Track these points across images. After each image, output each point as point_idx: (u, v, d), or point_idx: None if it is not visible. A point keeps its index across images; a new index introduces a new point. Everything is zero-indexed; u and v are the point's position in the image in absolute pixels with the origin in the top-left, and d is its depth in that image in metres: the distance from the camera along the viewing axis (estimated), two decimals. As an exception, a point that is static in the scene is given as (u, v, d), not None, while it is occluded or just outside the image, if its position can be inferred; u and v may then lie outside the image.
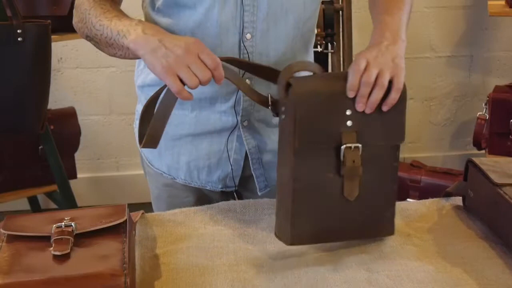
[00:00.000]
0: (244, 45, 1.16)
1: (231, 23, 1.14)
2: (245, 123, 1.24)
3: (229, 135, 1.24)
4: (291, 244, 1.02)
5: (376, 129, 1.00)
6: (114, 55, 1.14)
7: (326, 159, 1.00)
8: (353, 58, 1.14)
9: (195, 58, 0.99)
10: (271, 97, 1.05)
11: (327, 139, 0.98)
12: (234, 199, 1.34)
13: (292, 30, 1.20)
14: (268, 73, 1.10)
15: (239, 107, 1.22)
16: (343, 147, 0.98)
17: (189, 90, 1.01)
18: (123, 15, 1.12)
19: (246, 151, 1.26)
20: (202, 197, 1.31)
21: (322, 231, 1.03)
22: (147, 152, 1.31)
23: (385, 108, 0.98)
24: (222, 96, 1.21)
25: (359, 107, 0.98)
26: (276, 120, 1.14)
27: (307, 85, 0.99)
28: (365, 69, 0.99)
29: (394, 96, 0.98)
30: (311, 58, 1.31)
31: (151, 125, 1.03)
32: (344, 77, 0.99)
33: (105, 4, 1.14)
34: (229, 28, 1.15)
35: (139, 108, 1.32)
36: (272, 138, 1.26)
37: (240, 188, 1.32)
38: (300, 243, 1.03)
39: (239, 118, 1.23)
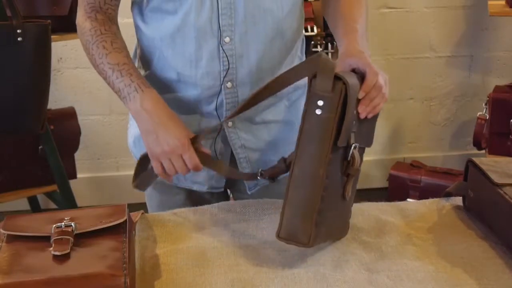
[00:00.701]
0: (223, 49, 1.16)
1: (208, 27, 1.15)
2: (230, 124, 1.24)
3: (216, 137, 1.24)
4: (311, 245, 0.97)
5: (361, 133, 1.04)
6: None
7: (339, 158, 1.00)
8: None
9: (178, 158, 1.11)
10: (261, 170, 1.13)
11: (347, 139, 0.99)
12: (226, 198, 1.34)
13: (271, 30, 1.19)
14: (270, 89, 1.09)
15: (222, 109, 1.22)
16: (353, 146, 0.99)
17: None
18: (123, 62, 1.15)
19: (231, 152, 1.26)
20: (192, 197, 1.31)
21: (330, 229, 1.02)
22: (136, 151, 1.31)
23: (370, 115, 1.04)
24: (203, 99, 1.22)
25: (362, 109, 1.02)
26: (260, 117, 1.23)
27: (351, 82, 0.97)
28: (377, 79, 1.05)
29: (381, 106, 1.06)
30: (296, 56, 1.29)
31: (141, 177, 1.18)
32: (358, 78, 1.03)
33: (106, 39, 1.17)
34: (207, 32, 1.15)
35: None
36: (257, 135, 1.26)
37: (228, 188, 1.32)
38: (315, 243, 0.99)
39: (222, 119, 1.23)
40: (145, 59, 1.25)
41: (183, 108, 1.23)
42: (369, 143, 1.10)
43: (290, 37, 1.23)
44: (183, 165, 1.11)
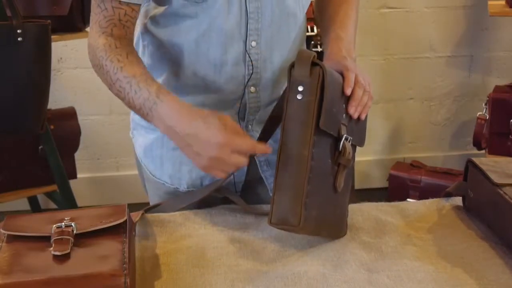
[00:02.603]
0: (248, 53, 1.16)
1: (236, 31, 1.14)
2: (249, 127, 1.24)
3: None
4: (301, 227, 0.97)
5: (353, 131, 1.07)
6: None
7: (328, 146, 1.02)
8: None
9: (229, 155, 0.99)
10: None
11: (334, 126, 1.02)
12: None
13: (293, 33, 1.20)
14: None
15: (244, 112, 1.22)
16: (344, 136, 1.03)
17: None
18: (140, 73, 1.07)
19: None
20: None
21: (323, 218, 1.03)
22: (148, 162, 1.30)
23: (363, 115, 1.08)
24: (225, 104, 1.21)
25: (353, 110, 1.05)
26: None
27: (327, 68, 1.01)
28: (356, 76, 1.07)
29: (369, 104, 1.09)
30: None
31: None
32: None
33: (121, 52, 1.09)
34: (234, 36, 1.14)
35: (137, 117, 1.29)
36: (275, 138, 1.25)
37: (246, 192, 1.32)
38: (307, 228, 1.00)
39: (243, 124, 1.22)
40: (155, 66, 1.21)
41: None
42: (361, 142, 1.13)
43: (303, 37, 1.26)
44: (239, 157, 1.00)
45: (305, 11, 1.23)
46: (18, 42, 1.97)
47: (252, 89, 1.19)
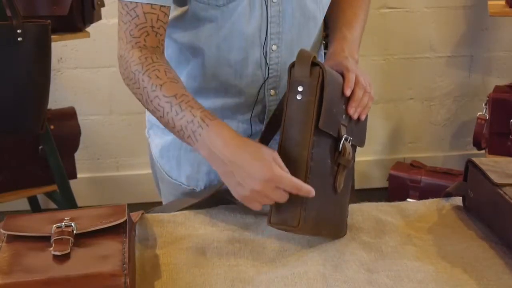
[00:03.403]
0: (269, 57, 1.16)
1: (256, 35, 1.13)
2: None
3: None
4: (300, 227, 0.97)
5: (353, 132, 1.07)
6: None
7: (328, 147, 1.02)
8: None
9: (273, 190, 0.95)
10: None
11: (334, 127, 1.02)
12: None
13: (313, 36, 1.20)
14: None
15: (264, 115, 1.22)
16: (343, 137, 1.03)
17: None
18: (181, 93, 1.03)
19: None
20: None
21: (322, 219, 1.03)
22: (163, 163, 1.29)
23: (363, 116, 1.09)
24: (245, 106, 1.21)
25: (353, 110, 1.05)
26: None
27: (327, 68, 1.01)
28: (356, 77, 1.07)
29: (369, 105, 1.09)
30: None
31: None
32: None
33: (159, 67, 1.05)
34: (255, 40, 1.14)
35: (154, 118, 1.24)
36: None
37: None
38: (306, 229, 1.00)
39: (263, 126, 1.22)
40: (175, 69, 1.15)
41: (222, 115, 1.15)
42: (361, 143, 1.13)
43: (319, 41, 1.26)
44: (282, 193, 0.96)
45: (325, 13, 1.22)
46: (18, 42, 1.97)
47: (272, 92, 1.19)
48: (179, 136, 1.04)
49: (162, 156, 1.29)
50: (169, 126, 1.04)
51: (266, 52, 1.15)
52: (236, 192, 1.00)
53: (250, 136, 1.23)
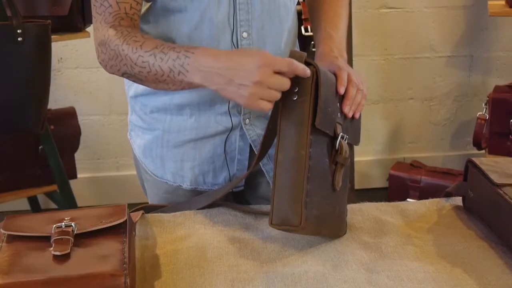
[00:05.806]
0: (241, 44, 1.16)
1: (226, 23, 1.14)
2: (247, 121, 1.24)
3: (232, 136, 1.24)
4: (302, 226, 0.97)
5: (348, 130, 1.08)
6: (162, 89, 1.10)
7: (325, 145, 1.03)
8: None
9: (271, 76, 0.97)
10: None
11: (330, 125, 1.03)
12: (242, 201, 1.32)
13: (285, 24, 1.21)
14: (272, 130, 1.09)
15: (239, 107, 1.22)
16: (340, 135, 1.04)
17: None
18: (161, 43, 1.07)
19: (250, 148, 1.25)
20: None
21: (323, 217, 1.03)
22: (148, 162, 1.30)
23: (357, 114, 1.09)
24: (222, 98, 1.21)
25: (347, 109, 1.06)
26: None
27: (321, 67, 1.01)
28: (349, 75, 1.08)
29: (363, 103, 1.10)
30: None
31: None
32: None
33: (135, 34, 1.09)
34: (225, 28, 1.15)
35: (133, 119, 1.30)
36: None
37: (249, 193, 1.32)
38: (308, 228, 1.00)
39: (241, 117, 1.23)
40: None
41: (199, 109, 1.21)
42: (356, 141, 1.14)
43: (295, 31, 1.27)
44: (282, 78, 0.98)
45: (296, 2, 1.24)
46: (18, 42, 1.97)
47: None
48: (171, 78, 1.05)
49: (145, 156, 1.30)
50: (158, 76, 1.06)
51: (237, 39, 1.16)
52: (241, 96, 1.00)
53: (231, 129, 1.22)
